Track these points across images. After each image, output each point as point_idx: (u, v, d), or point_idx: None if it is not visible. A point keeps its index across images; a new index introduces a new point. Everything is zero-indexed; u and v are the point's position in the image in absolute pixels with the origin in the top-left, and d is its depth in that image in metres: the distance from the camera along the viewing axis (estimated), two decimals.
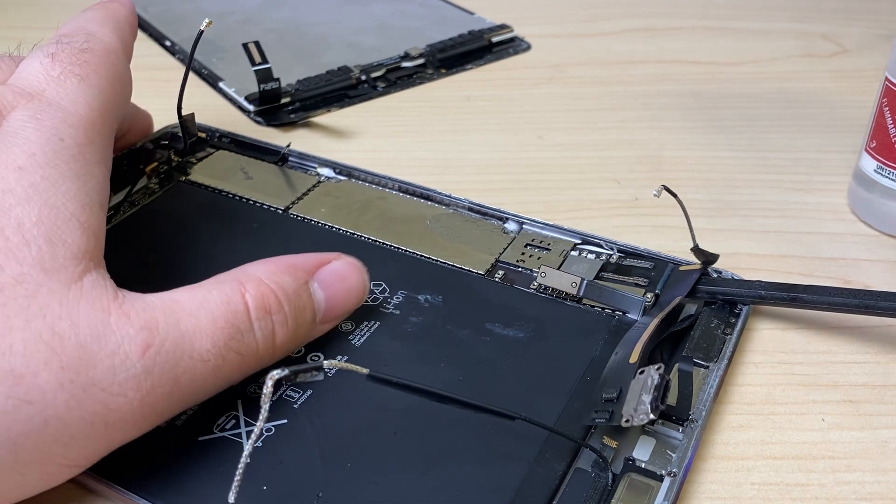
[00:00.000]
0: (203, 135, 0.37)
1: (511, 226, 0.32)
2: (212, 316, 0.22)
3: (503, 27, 0.49)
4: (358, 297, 0.26)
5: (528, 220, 0.32)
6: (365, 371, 0.20)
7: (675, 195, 0.28)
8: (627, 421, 0.23)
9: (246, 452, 0.19)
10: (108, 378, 0.20)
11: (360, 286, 0.26)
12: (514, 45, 0.49)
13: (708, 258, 0.29)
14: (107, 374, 0.20)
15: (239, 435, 0.23)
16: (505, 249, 0.31)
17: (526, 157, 0.38)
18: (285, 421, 0.24)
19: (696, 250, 0.29)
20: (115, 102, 0.26)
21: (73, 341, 0.20)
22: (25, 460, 0.19)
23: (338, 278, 0.26)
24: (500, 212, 0.33)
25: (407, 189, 0.34)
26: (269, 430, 0.24)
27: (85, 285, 0.21)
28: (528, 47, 0.49)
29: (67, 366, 0.20)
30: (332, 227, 0.32)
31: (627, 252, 0.31)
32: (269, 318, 0.23)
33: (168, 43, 0.48)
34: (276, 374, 0.19)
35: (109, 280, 0.22)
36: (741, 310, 0.28)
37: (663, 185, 0.28)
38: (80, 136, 0.23)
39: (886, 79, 0.32)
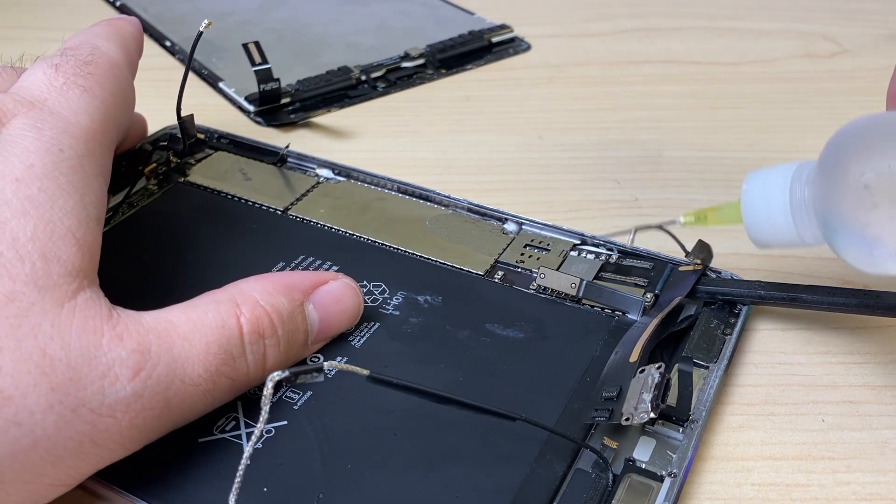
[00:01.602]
0: (202, 136, 0.37)
1: (510, 226, 0.32)
2: (206, 341, 0.22)
3: (503, 27, 0.49)
4: (351, 319, 0.27)
5: (527, 220, 0.32)
6: (365, 372, 0.20)
7: (650, 227, 0.29)
8: (628, 419, 0.23)
9: (246, 454, 0.19)
10: (98, 399, 0.20)
11: (354, 308, 0.26)
12: (514, 45, 0.49)
13: (705, 255, 0.29)
14: (96, 395, 0.20)
15: (239, 436, 0.23)
16: (504, 250, 0.31)
17: (526, 157, 0.38)
18: (285, 422, 0.24)
19: (691, 253, 0.29)
20: (117, 115, 0.26)
21: (63, 363, 0.20)
22: (12, 480, 0.19)
23: (333, 300, 0.26)
24: (500, 212, 0.33)
25: (406, 190, 0.34)
26: (269, 431, 0.24)
27: (78, 304, 0.21)
28: (528, 47, 0.49)
29: (57, 387, 0.19)
30: (332, 227, 0.32)
31: (627, 252, 0.31)
32: (262, 342, 0.23)
33: (168, 43, 0.48)
34: (276, 375, 0.19)
35: (103, 298, 0.22)
36: (741, 310, 0.28)
37: (636, 227, 0.29)
38: (80, 147, 0.23)
39: None
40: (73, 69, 0.25)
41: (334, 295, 0.26)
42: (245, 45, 0.39)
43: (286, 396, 0.25)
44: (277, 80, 0.40)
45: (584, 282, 0.29)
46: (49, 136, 0.23)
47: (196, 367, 0.22)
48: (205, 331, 0.22)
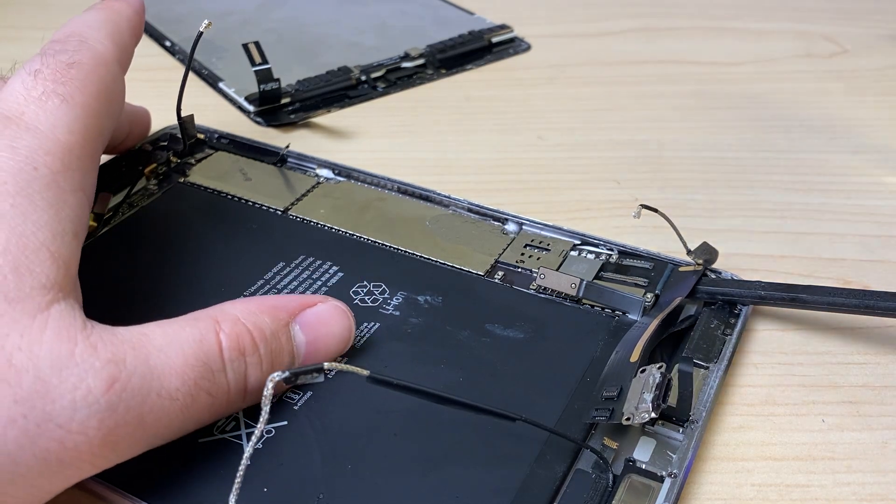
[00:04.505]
0: (202, 136, 0.37)
1: (510, 226, 0.32)
2: (183, 353, 0.21)
3: (503, 27, 0.49)
4: (342, 344, 0.25)
5: (527, 220, 0.32)
6: (365, 372, 0.20)
7: (656, 210, 0.28)
8: (629, 419, 0.23)
9: (246, 454, 0.19)
10: (68, 414, 0.19)
11: (344, 332, 0.25)
12: (514, 45, 0.49)
13: (708, 257, 0.29)
14: (66, 409, 0.19)
15: (239, 437, 0.23)
16: (504, 250, 0.31)
17: (526, 157, 0.38)
18: (285, 422, 0.24)
19: (693, 252, 0.29)
20: (101, 121, 0.25)
21: (31, 374, 0.19)
22: None
23: (321, 322, 0.25)
24: (500, 212, 0.33)
25: (406, 190, 0.34)
26: (269, 431, 0.24)
27: (51, 315, 0.20)
28: (528, 47, 0.49)
29: (21, 400, 0.19)
30: (332, 228, 0.32)
31: (627, 252, 0.31)
32: (243, 360, 0.22)
33: (168, 43, 0.48)
34: (276, 375, 0.19)
35: (79, 311, 0.21)
36: (741, 310, 0.28)
37: (641, 205, 0.28)
38: (55, 163, 0.23)
39: None
40: (53, 75, 0.24)
41: (322, 317, 0.25)
42: (245, 45, 0.39)
43: (286, 396, 0.25)
44: (277, 80, 0.40)
45: (584, 282, 0.29)
46: (24, 154, 0.22)
47: (173, 379, 0.21)
48: (182, 343, 0.21)
